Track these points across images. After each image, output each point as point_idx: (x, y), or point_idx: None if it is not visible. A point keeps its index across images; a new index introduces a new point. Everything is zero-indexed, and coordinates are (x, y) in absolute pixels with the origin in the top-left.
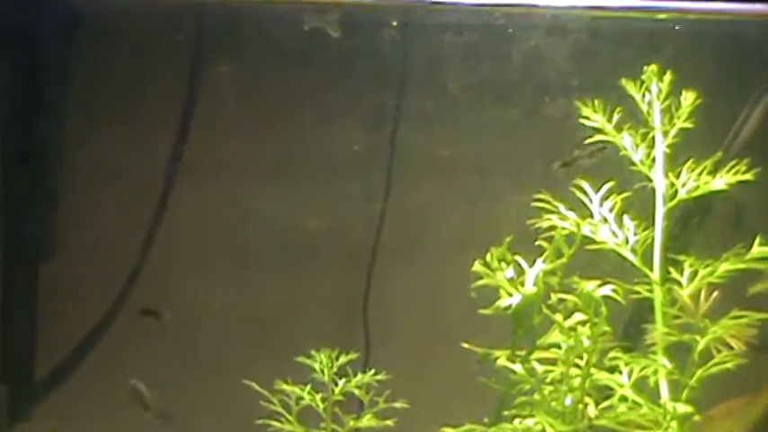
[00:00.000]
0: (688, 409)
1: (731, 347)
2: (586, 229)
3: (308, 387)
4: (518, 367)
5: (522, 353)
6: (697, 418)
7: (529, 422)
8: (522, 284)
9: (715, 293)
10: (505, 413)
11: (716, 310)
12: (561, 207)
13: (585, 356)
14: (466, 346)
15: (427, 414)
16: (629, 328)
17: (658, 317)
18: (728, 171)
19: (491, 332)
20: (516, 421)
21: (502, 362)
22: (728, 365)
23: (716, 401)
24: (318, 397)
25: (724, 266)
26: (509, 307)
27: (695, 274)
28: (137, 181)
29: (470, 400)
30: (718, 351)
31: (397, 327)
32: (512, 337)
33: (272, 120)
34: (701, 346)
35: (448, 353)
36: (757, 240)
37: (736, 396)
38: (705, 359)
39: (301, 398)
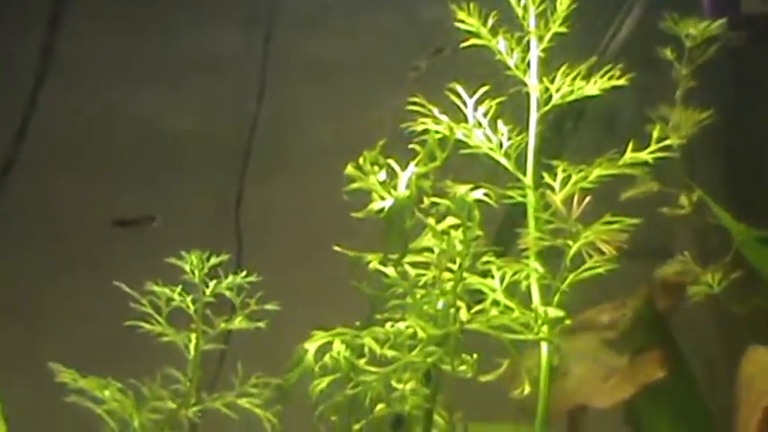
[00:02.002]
0: (559, 313)
1: (603, 253)
2: (460, 134)
3: (179, 288)
4: (390, 271)
5: (395, 256)
6: (568, 322)
7: (401, 325)
8: (395, 188)
9: (587, 199)
10: (377, 317)
11: (588, 216)
12: (435, 111)
13: (458, 260)
14: (338, 249)
15: (299, 317)
16: (502, 232)
17: (531, 222)
18: (602, 76)
19: (363, 235)
20: (388, 324)
21: (374, 265)
22: (600, 270)
23: (587, 306)
24: (189, 298)
25: (597, 172)
26: (381, 210)
27: (568, 179)
28: (5, 76)
29: (342, 304)
30: (590, 256)
31: (269, 229)
32: (384, 241)
33: (144, 18)
34: (573, 251)
35: (320, 256)
36: (630, 146)
37: (607, 301)
38: (577, 264)
39: (171, 299)
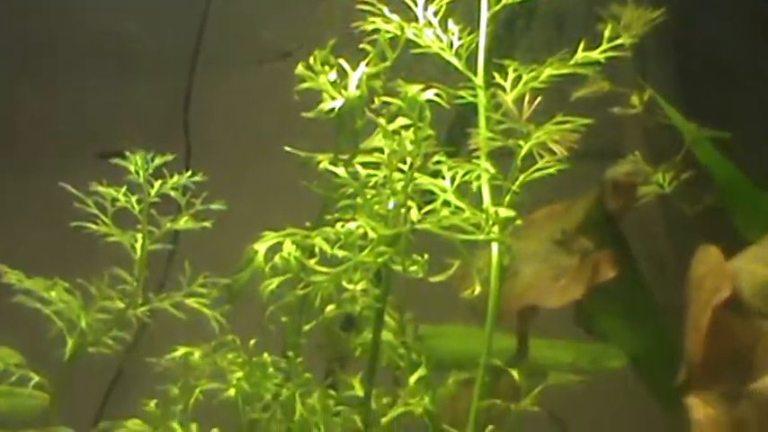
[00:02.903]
0: (509, 213)
1: (554, 153)
2: (410, 33)
3: (124, 189)
4: (341, 171)
5: (345, 156)
6: (519, 222)
7: (351, 226)
8: (346, 88)
9: (538, 98)
10: (328, 217)
11: (539, 116)
12: (386, 10)
13: (409, 160)
14: (288, 149)
15: (248, 217)
16: (453, 132)
17: (482, 122)
18: None
19: (314, 136)
20: (339, 225)
21: (324, 165)
22: (551, 171)
23: (538, 206)
24: (134, 199)
25: (548, 71)
26: (332, 110)
27: (519, 78)
28: None
29: (292, 204)
30: (541, 156)
31: (218, 130)
32: (335, 141)
33: None
34: (524, 151)
35: (270, 156)
36: (581, 45)
37: (558, 201)
38: (528, 164)
39: (117, 200)
